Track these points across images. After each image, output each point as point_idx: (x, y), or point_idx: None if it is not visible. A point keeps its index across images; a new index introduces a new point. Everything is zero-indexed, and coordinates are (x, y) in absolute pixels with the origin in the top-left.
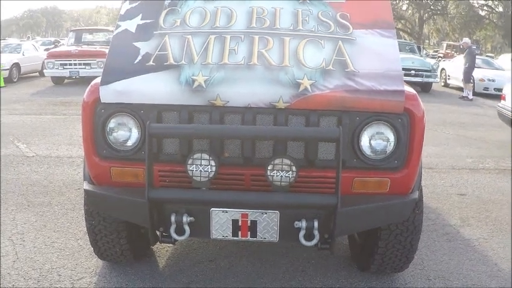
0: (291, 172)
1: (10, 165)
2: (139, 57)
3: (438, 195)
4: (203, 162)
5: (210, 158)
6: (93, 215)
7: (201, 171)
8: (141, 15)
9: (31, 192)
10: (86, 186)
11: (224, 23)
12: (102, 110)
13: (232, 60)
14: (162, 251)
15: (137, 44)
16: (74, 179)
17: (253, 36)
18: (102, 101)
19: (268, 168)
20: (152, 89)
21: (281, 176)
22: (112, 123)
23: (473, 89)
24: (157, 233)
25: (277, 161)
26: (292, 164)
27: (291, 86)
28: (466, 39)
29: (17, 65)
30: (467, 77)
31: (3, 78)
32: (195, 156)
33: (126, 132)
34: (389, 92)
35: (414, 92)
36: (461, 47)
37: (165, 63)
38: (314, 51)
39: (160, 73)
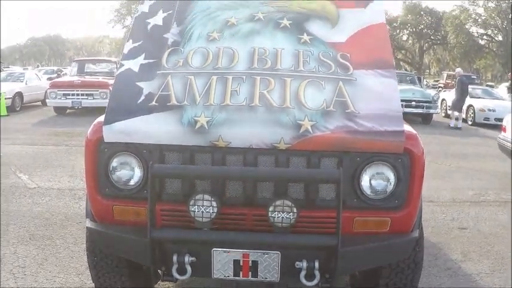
0: (292, 213)
1: (12, 196)
2: (142, 97)
3: (439, 229)
4: (205, 203)
5: (212, 199)
6: (95, 252)
7: (203, 212)
8: (144, 54)
9: (33, 225)
10: (88, 224)
11: (226, 63)
12: (105, 149)
13: (234, 101)
14: (164, 287)
15: (140, 84)
16: (75, 212)
17: (254, 77)
18: (106, 140)
19: (270, 209)
20: (155, 129)
21: (282, 217)
22: (115, 163)
23: (473, 119)
24: (159, 271)
25: (278, 202)
26: (293, 205)
27: (292, 127)
28: (458, 69)
29: (19, 94)
30: (457, 106)
31: (6, 107)
32: (197, 197)
33: (129, 172)
34: (389, 133)
35: (414, 131)
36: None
37: (168, 104)
38: (315, 92)
39: (163, 113)
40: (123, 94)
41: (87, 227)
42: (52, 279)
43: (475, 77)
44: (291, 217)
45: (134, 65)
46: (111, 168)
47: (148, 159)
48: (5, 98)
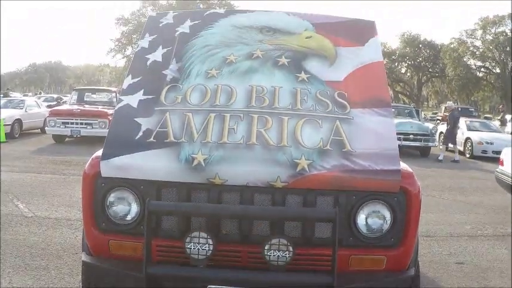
0: (287, 252)
1: (9, 225)
2: (140, 133)
3: (436, 264)
4: (201, 240)
5: (208, 237)
6: (91, 286)
7: (198, 249)
8: (143, 90)
9: (28, 255)
10: (84, 257)
11: (224, 101)
12: (103, 184)
13: (231, 139)
14: None
15: (138, 120)
16: (72, 243)
17: (252, 115)
18: (103, 175)
19: (265, 247)
20: (152, 165)
21: (278, 255)
22: (112, 197)
23: (471, 151)
24: None
25: (274, 240)
26: (288, 243)
27: (288, 166)
28: (450, 103)
29: (19, 121)
30: (450, 139)
31: (5, 133)
32: (193, 234)
33: (125, 207)
34: (385, 172)
35: (410, 170)
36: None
37: (166, 140)
38: (312, 131)
39: (161, 150)
40: (121, 129)
41: (82, 261)
42: None
43: (473, 109)
44: (287, 255)
45: (133, 100)
46: (108, 203)
47: (145, 195)
48: (4, 125)
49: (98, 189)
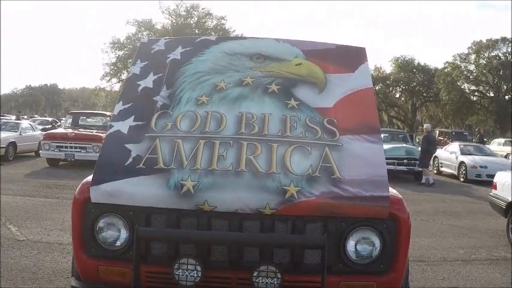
0: (276, 279)
1: (0, 248)
2: (130, 159)
3: None
4: (189, 267)
5: (197, 263)
6: None
7: (187, 275)
8: (133, 116)
9: (20, 278)
10: (73, 282)
11: (214, 128)
12: (92, 210)
13: (220, 166)
14: None
15: (128, 146)
16: (63, 267)
17: (241, 142)
18: (93, 200)
19: (254, 274)
20: (141, 191)
21: (266, 282)
22: (101, 223)
23: (465, 175)
24: None
25: (262, 267)
26: (277, 270)
27: (277, 192)
28: (426, 125)
29: (13, 144)
30: (424, 162)
31: None
32: (182, 260)
33: (115, 233)
34: (374, 198)
35: (399, 196)
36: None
37: (155, 167)
38: (301, 158)
39: (150, 176)
40: (111, 155)
41: (71, 286)
42: None
43: (467, 133)
44: (275, 282)
45: (123, 126)
46: (97, 229)
47: (135, 221)
48: None
49: (87, 215)
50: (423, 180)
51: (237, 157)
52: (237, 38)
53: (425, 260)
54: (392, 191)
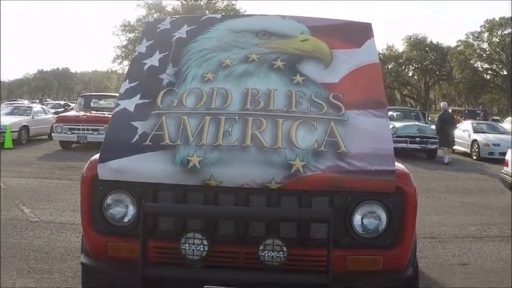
0: (282, 252)
1: (14, 229)
2: (137, 137)
3: (440, 265)
4: (196, 241)
5: (203, 238)
6: (90, 287)
7: (193, 250)
8: (139, 94)
9: (32, 258)
10: (83, 259)
11: (219, 104)
12: (100, 187)
13: (226, 141)
14: None
15: (135, 123)
16: (75, 247)
17: (247, 118)
18: (100, 178)
19: (260, 248)
20: (148, 168)
21: (272, 256)
22: (109, 200)
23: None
24: None
25: (268, 241)
26: (283, 244)
27: (283, 167)
28: (443, 103)
29: (26, 128)
30: (443, 141)
31: (12, 140)
32: (188, 235)
33: (122, 209)
34: (380, 172)
35: (406, 170)
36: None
37: (161, 143)
38: (306, 132)
39: (156, 153)
40: (118, 133)
41: (81, 262)
42: None
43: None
44: (281, 256)
45: (130, 104)
46: (105, 205)
47: (142, 198)
48: (11, 131)
49: (95, 192)
50: (446, 160)
51: (243, 132)
52: (242, 15)
53: (436, 237)
54: (399, 165)
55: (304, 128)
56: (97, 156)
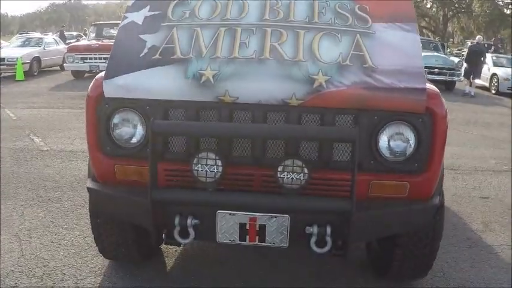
0: (302, 174)
1: (24, 159)
2: (146, 50)
3: (460, 197)
4: (209, 162)
5: (217, 158)
6: (98, 213)
7: (206, 171)
8: (149, 6)
9: (42, 187)
10: (89, 183)
11: (235, 14)
12: (106, 105)
13: (242, 54)
14: (171, 251)
15: (144, 37)
16: (86, 174)
17: (265, 29)
18: (106, 95)
19: (279, 169)
20: (157, 83)
21: (292, 178)
22: (116, 119)
23: (497, 88)
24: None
25: (287, 162)
26: (303, 165)
27: (304, 82)
28: (478, 37)
29: (37, 59)
30: (470, 73)
31: (24, 71)
32: (201, 155)
33: (130, 129)
34: (409, 90)
35: (437, 90)
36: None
37: (172, 57)
38: (330, 45)
39: (167, 67)
40: (125, 48)
41: (87, 187)
42: (58, 242)
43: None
44: (301, 178)
45: (138, 17)
46: (112, 125)
47: (151, 116)
48: (23, 63)
49: (101, 111)
50: (467, 91)
51: (261, 44)
52: None
53: (456, 169)
54: (430, 85)
55: (327, 40)
56: (102, 74)
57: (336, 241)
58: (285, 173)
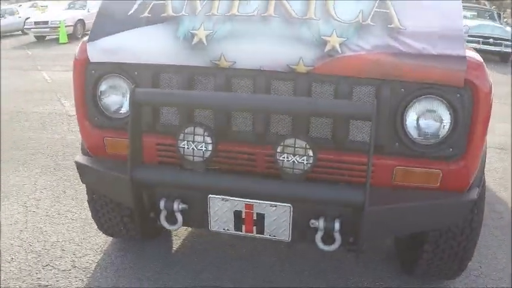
0: (306, 156)
1: (50, 123)
2: (135, 7)
3: (508, 181)
4: (197, 138)
5: (206, 134)
6: (90, 190)
7: (193, 149)
8: None
9: (61, 154)
10: (77, 157)
11: None
12: (92, 71)
13: (242, 10)
14: (181, 229)
15: None
16: None
17: None
18: (91, 60)
19: (278, 150)
20: (145, 45)
21: (293, 161)
22: (103, 86)
23: None
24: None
25: (288, 141)
26: (307, 146)
27: (314, 44)
28: None
29: (81, 22)
30: None
31: (68, 34)
32: (187, 130)
33: (119, 97)
34: (445, 58)
35: (480, 59)
36: None
37: (163, 15)
38: (348, 0)
39: (156, 26)
40: (112, 5)
41: (75, 161)
42: (64, 215)
43: None
44: (305, 161)
45: None
46: (99, 93)
47: (139, 83)
48: (66, 26)
49: (88, 78)
50: None
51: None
52: None
53: (505, 148)
54: (471, 53)
55: None
56: None
57: (347, 237)
58: (285, 154)
